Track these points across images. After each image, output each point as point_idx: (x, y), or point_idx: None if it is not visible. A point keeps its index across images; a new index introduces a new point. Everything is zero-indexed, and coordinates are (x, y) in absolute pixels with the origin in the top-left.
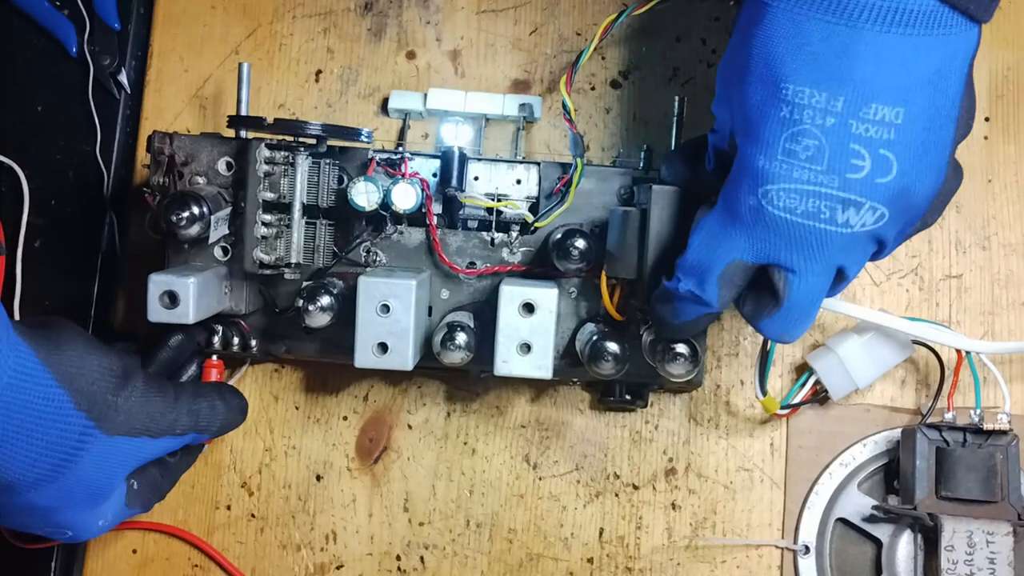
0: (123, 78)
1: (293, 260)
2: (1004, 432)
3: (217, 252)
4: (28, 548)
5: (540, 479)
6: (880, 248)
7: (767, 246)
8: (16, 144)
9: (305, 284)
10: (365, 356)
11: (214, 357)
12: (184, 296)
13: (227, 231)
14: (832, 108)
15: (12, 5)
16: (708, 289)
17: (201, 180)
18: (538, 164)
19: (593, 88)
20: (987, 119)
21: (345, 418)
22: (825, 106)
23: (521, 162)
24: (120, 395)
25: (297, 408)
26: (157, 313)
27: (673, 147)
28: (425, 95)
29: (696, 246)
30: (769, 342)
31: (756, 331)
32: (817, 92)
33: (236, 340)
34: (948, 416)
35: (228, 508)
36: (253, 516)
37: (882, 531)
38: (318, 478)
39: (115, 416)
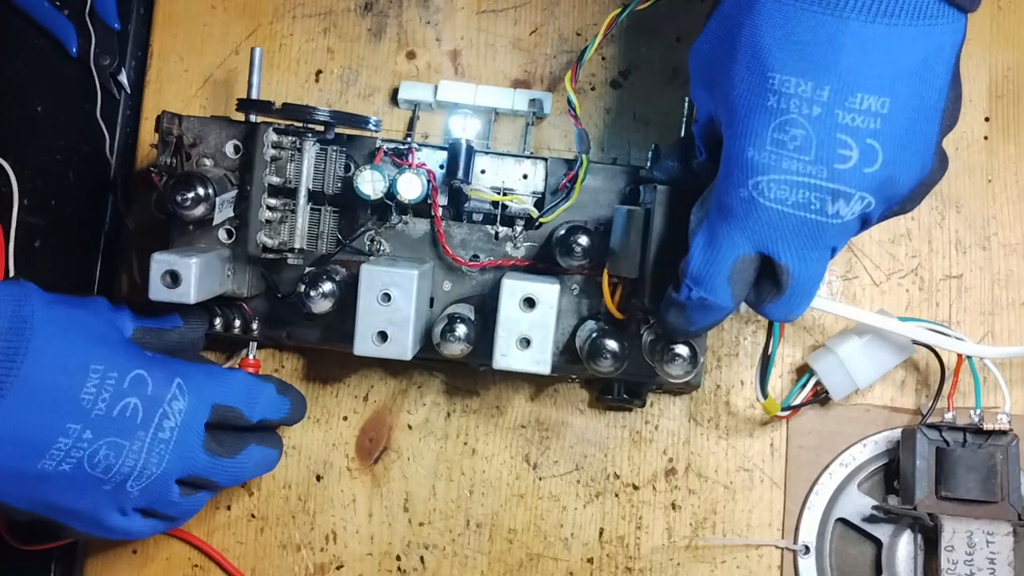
0: (123, 78)
1: (296, 245)
2: (1004, 432)
3: (221, 235)
4: (28, 549)
5: (540, 479)
6: (863, 226)
7: (763, 238)
8: (15, 144)
9: (308, 270)
10: (365, 344)
11: (251, 357)
12: (186, 276)
13: (232, 214)
14: (818, 97)
15: (12, 5)
16: (720, 292)
17: (208, 162)
18: (545, 160)
19: (593, 88)
20: (987, 119)
21: (345, 418)
22: (811, 95)
23: (528, 157)
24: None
25: None
26: (158, 292)
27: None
28: (436, 87)
29: (698, 251)
30: (770, 345)
31: (760, 315)
32: (803, 81)
33: (238, 323)
34: (948, 416)
35: (228, 508)
36: (253, 516)
37: (882, 531)
38: (318, 478)
39: None
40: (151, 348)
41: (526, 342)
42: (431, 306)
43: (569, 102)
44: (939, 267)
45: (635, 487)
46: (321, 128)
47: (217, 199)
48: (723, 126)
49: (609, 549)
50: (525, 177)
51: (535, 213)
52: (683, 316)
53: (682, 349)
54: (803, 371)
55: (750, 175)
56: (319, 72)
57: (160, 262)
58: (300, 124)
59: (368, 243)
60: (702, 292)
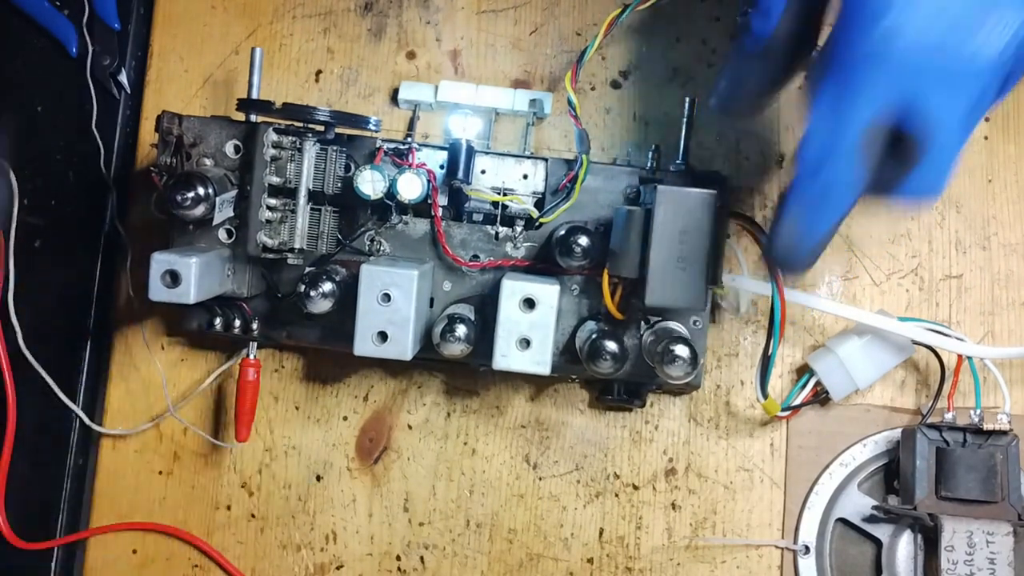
0: (123, 78)
1: (296, 245)
2: (1004, 432)
3: (221, 234)
4: (29, 548)
5: (540, 479)
6: (1017, 62)
7: (901, 89)
8: (15, 144)
9: (308, 270)
10: (365, 344)
11: (251, 357)
12: (186, 276)
13: (232, 214)
14: None
15: (12, 5)
16: (849, 167)
17: (208, 162)
18: (546, 160)
19: (593, 88)
20: (987, 119)
21: (345, 418)
22: None
23: (528, 157)
24: None
25: (297, 408)
26: (158, 292)
27: (681, 148)
28: (436, 87)
29: (821, 118)
30: (770, 345)
31: (893, 202)
32: None
33: (238, 323)
34: (948, 416)
35: (228, 508)
36: (253, 516)
37: (882, 531)
38: (318, 478)
39: None
40: None
41: (526, 342)
42: (431, 306)
43: (569, 102)
44: (939, 267)
45: (635, 487)
46: (321, 128)
47: (217, 199)
48: None
49: (609, 549)
50: (525, 177)
51: (535, 213)
52: (803, 217)
53: (682, 350)
54: (803, 371)
55: (882, 13)
56: (319, 72)
57: (160, 262)
58: (300, 124)
59: (368, 243)
60: (828, 169)
